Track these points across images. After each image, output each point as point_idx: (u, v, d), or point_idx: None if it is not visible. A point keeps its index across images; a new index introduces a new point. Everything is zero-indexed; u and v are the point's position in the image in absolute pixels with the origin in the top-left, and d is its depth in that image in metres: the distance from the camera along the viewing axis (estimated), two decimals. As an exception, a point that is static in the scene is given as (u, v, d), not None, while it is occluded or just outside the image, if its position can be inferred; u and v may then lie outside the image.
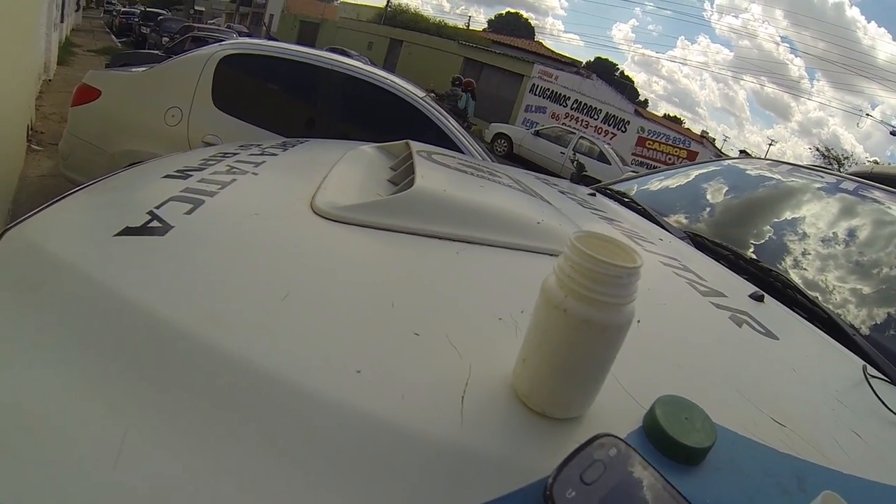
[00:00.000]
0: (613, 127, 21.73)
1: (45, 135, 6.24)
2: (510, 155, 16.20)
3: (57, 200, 1.12)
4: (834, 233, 1.81)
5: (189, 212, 1.01)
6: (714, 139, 38.83)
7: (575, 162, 3.11)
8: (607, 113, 22.07)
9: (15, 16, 4.40)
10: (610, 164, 14.53)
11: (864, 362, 1.12)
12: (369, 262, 0.99)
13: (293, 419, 0.60)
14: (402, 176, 1.42)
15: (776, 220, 1.95)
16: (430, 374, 0.69)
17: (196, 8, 55.05)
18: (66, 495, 0.53)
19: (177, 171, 1.27)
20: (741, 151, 43.62)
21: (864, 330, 1.35)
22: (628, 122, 21.80)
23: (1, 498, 0.51)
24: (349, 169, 1.44)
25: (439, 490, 0.56)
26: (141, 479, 0.54)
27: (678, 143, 20.98)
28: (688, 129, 37.60)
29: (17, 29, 4.71)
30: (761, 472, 0.66)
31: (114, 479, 0.54)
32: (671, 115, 65.98)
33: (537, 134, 16.65)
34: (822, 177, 2.26)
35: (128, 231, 0.91)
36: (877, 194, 2.00)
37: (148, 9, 31.82)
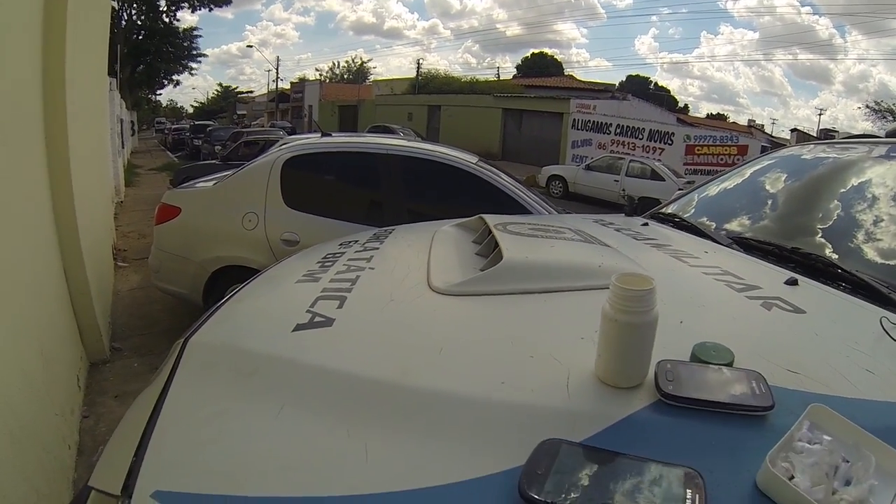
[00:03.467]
0: (659, 142, 21.54)
1: (127, 252, 6.69)
2: (567, 194, 16.35)
3: (212, 312, 1.49)
4: (874, 198, 1.88)
5: (339, 306, 1.35)
6: (762, 125, 37.97)
7: (625, 196, 3.25)
8: (651, 129, 21.94)
9: (91, 150, 4.85)
10: (664, 179, 14.46)
11: (886, 313, 1.31)
12: (485, 319, 1.32)
13: (470, 415, 0.93)
14: (487, 248, 1.79)
15: (812, 205, 2.05)
16: (546, 377, 1.01)
17: (238, 113, 57.47)
18: (346, 483, 0.81)
19: (304, 276, 1.64)
20: (792, 130, 42.12)
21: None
22: (673, 133, 21.61)
23: (308, 490, 0.81)
24: (443, 251, 1.81)
25: (565, 431, 0.87)
26: (385, 467, 0.84)
27: (726, 142, 20.54)
28: (733, 123, 37.06)
29: (95, 161, 5.16)
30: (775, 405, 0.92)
31: (369, 470, 0.83)
32: (714, 112, 64.98)
33: (588, 168, 16.70)
34: (855, 147, 2.28)
35: (300, 327, 1.24)
36: None
37: (196, 122, 33.49)
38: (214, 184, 4.17)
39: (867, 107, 32.86)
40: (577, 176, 16.72)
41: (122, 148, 14.50)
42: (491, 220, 1.98)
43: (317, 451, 0.88)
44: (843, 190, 2.02)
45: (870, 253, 1.68)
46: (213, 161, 12.56)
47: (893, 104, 31.53)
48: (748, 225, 2.16)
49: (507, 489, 0.76)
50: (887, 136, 2.58)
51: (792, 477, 0.77)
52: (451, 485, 0.80)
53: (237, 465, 0.86)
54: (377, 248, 1.98)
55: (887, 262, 1.60)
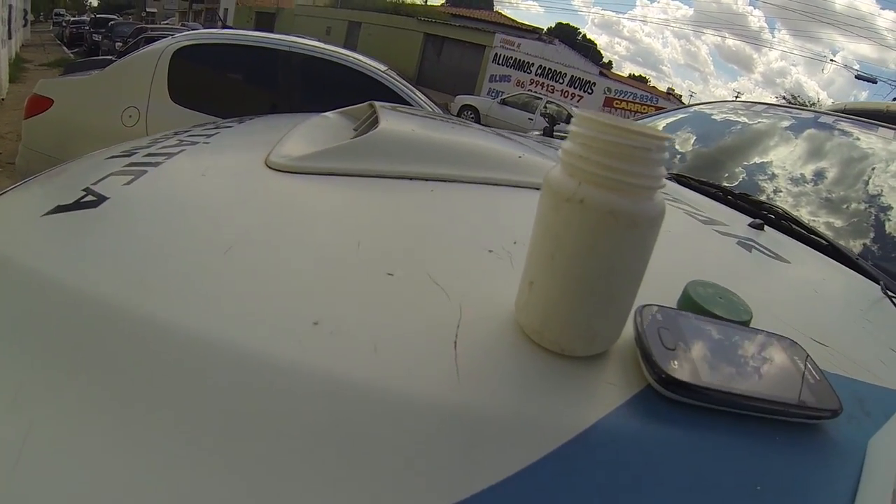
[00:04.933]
0: (579, 89, 21.81)
1: (2, 154, 6.11)
2: (478, 126, 16.12)
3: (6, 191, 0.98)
4: (817, 164, 1.79)
5: (128, 183, 0.86)
6: (680, 95, 39.21)
7: (546, 115, 3.07)
8: (572, 76, 22.16)
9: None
10: (579, 125, 14.49)
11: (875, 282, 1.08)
12: (328, 207, 0.85)
13: (233, 389, 0.47)
14: (366, 131, 1.21)
15: (760, 157, 1.92)
16: (410, 320, 0.55)
17: (147, 10, 54.21)
18: None
19: (122, 152, 1.12)
20: (709, 104, 44.52)
21: (863, 252, 1.33)
22: (594, 83, 21.92)
23: None
24: (309, 130, 1.27)
25: (439, 468, 0.42)
26: (44, 482, 0.41)
27: (646, 101, 21.13)
28: (653, 87, 37.86)
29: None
30: None
31: (10, 486, 0.41)
32: (636, 74, 66.17)
33: (504, 102, 16.58)
34: (800, 113, 2.23)
35: (57, 209, 0.77)
36: (854, 126, 1.98)
37: (98, 15, 31.21)
38: (95, 73, 3.69)
39: (783, 98, 35.50)
40: (491, 109, 16.45)
41: (10, 38, 13.31)
42: (382, 104, 1.44)
43: None
44: (793, 152, 1.90)
45: (830, 216, 1.54)
46: (109, 57, 11.64)
47: (809, 102, 34.58)
48: (690, 165, 1.98)
49: None
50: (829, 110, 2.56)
51: None
52: None
53: None
54: (230, 128, 1.44)
55: (843, 228, 1.47)
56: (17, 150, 3.68)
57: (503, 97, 17.33)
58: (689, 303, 0.61)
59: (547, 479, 0.42)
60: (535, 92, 19.57)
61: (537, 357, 0.52)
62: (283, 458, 0.42)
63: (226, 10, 38.87)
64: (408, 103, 3.69)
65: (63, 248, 0.68)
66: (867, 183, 1.63)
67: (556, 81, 22.20)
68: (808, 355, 0.56)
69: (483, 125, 2.11)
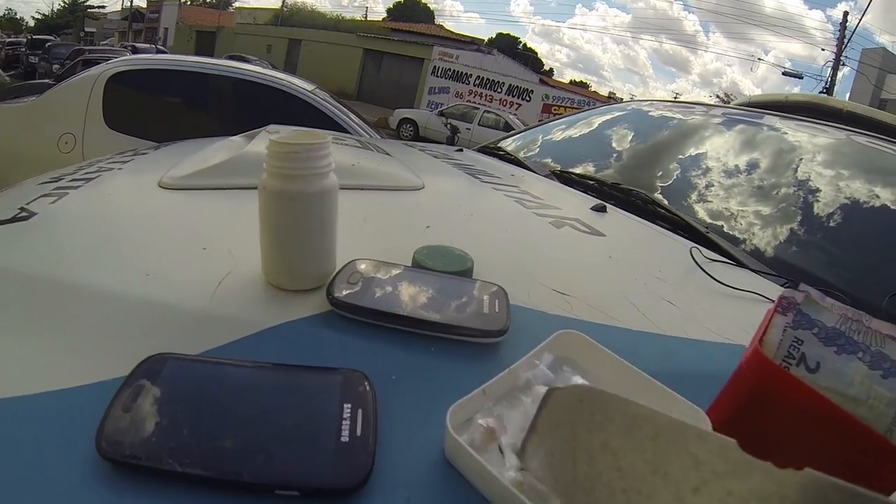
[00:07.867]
0: (518, 97, 22.19)
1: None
2: (417, 138, 16.23)
3: None
4: (690, 154, 1.98)
5: (53, 202, 1.15)
6: (622, 99, 39.97)
7: (448, 125, 3.28)
8: (510, 85, 22.53)
9: None
10: (517, 133, 14.76)
11: (695, 245, 1.19)
12: (186, 213, 1.14)
13: (100, 311, 0.74)
14: None
15: (646, 155, 2.07)
16: (201, 271, 0.83)
17: (86, 30, 52.82)
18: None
19: (52, 178, 1.41)
20: (648, 107, 45.66)
21: (710, 221, 1.48)
22: (532, 90, 22.30)
23: None
24: (206, 154, 1.53)
25: (190, 338, 0.68)
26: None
27: (583, 105, 21.55)
28: (595, 91, 38.60)
29: None
30: (514, 328, 0.72)
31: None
32: (577, 80, 67.02)
33: (442, 114, 16.78)
34: (691, 108, 2.42)
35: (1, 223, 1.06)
36: (731, 114, 2.21)
37: (34, 36, 30.45)
38: (30, 100, 3.79)
39: (717, 97, 37.05)
40: (430, 121, 16.77)
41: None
42: (272, 128, 1.75)
43: None
44: (677, 145, 2.06)
45: (691, 201, 1.67)
46: (48, 81, 11.49)
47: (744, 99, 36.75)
48: (579, 165, 2.11)
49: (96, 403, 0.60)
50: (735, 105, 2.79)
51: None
52: (56, 392, 0.64)
53: None
54: (145, 154, 1.75)
55: (705, 209, 1.59)
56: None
57: (441, 109, 17.56)
58: (414, 260, 0.85)
59: (252, 346, 0.67)
60: (474, 102, 19.98)
61: (267, 289, 0.79)
62: (119, 333, 0.71)
63: (166, 29, 38.27)
64: (334, 121, 3.91)
65: (8, 248, 0.96)
66: (722, 159, 1.86)
67: (495, 91, 22.55)
68: (503, 294, 0.76)
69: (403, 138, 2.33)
